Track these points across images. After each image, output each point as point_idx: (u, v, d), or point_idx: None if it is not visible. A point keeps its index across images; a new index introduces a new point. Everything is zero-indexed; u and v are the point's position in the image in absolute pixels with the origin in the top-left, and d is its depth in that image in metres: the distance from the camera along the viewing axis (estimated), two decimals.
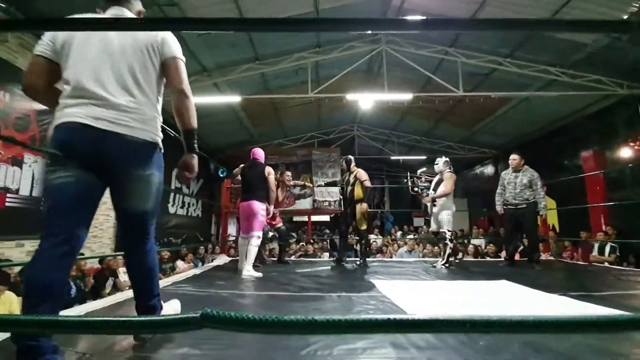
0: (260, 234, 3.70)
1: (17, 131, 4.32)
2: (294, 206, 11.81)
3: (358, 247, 5.24)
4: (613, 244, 5.47)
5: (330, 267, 4.16)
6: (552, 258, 5.71)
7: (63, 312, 2.05)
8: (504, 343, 1.38)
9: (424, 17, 0.74)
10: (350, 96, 7.38)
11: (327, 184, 6.32)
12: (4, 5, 3.68)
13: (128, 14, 1.34)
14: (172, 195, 8.75)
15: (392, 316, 0.40)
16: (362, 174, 4.34)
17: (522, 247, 5.15)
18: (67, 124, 1.17)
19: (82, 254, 4.97)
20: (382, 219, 15.24)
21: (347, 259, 4.58)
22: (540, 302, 2.31)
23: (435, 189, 4.30)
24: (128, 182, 1.23)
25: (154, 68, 1.29)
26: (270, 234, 4.54)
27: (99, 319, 0.47)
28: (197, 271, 3.94)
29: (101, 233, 6.02)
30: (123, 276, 4.81)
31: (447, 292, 2.71)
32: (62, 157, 1.16)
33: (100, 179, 1.21)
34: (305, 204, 11.78)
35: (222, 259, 5.27)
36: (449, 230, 4.11)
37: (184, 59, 1.36)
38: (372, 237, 8.97)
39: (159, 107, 1.34)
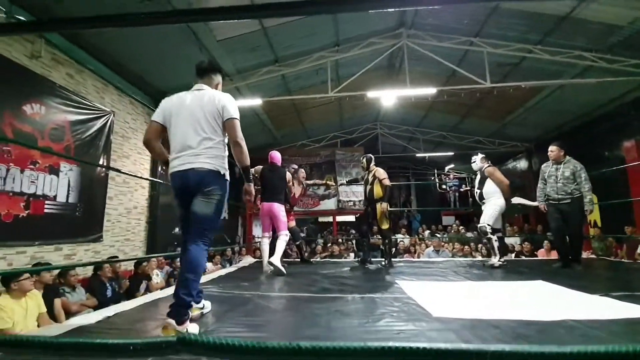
0: (287, 232, 3.98)
1: (52, 141, 4.56)
2: (319, 207, 11.82)
3: (383, 248, 5.14)
4: None
5: (353, 268, 4.10)
6: (593, 256, 5.34)
7: (99, 311, 2.17)
8: None
9: None
10: (371, 94, 7.22)
11: (349, 182, 6.30)
12: (4, 9, 3.79)
13: (207, 88, 1.96)
14: None
15: (386, 344, 0.35)
16: (381, 173, 4.26)
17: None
18: (171, 173, 1.88)
19: (116, 257, 5.20)
20: (409, 218, 14.92)
21: (372, 259, 4.50)
22: (577, 303, 2.14)
23: (480, 187, 4.14)
24: (197, 195, 1.81)
25: (219, 125, 1.89)
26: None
27: (75, 341, 0.45)
28: (222, 272, 4.00)
29: (133, 237, 6.24)
30: (155, 278, 5.00)
31: (476, 294, 2.58)
32: (173, 190, 1.89)
33: (191, 197, 1.83)
34: (329, 204, 11.76)
35: (247, 260, 5.34)
36: (488, 225, 3.92)
37: (238, 117, 1.90)
38: (399, 236, 8.80)
39: (225, 148, 1.92)
